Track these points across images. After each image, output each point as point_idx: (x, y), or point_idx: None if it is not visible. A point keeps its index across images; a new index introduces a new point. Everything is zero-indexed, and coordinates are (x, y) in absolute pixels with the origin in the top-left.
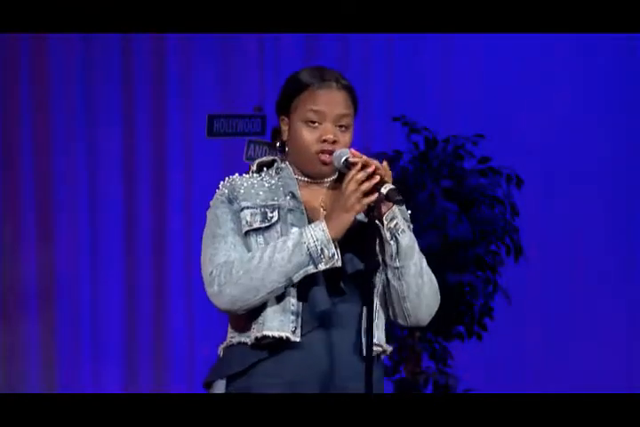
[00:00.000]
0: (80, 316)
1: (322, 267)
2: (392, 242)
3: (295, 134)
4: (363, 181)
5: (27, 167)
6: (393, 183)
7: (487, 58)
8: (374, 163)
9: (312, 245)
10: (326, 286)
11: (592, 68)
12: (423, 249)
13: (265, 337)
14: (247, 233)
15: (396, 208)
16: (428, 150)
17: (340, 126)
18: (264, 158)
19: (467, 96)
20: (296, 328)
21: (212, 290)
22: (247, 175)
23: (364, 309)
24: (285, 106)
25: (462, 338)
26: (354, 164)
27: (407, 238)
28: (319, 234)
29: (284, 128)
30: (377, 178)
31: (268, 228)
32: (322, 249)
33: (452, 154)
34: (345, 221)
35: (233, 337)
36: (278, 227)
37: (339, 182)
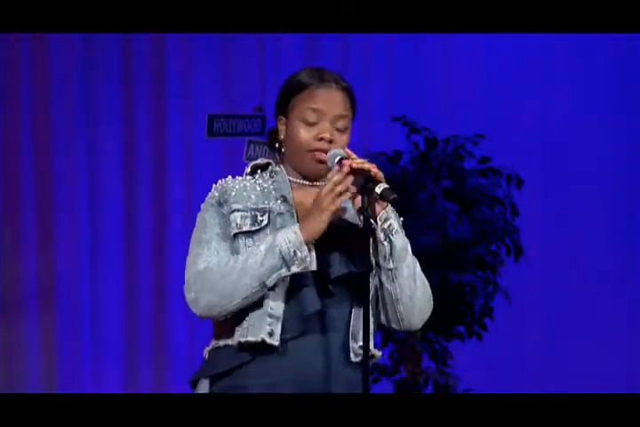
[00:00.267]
0: (80, 316)
1: (294, 269)
2: (386, 243)
3: (292, 132)
4: (339, 183)
5: (27, 167)
6: (393, 183)
7: (487, 58)
8: (370, 164)
9: (284, 247)
10: (316, 289)
11: (592, 68)
12: (423, 249)
13: (248, 342)
14: (236, 236)
15: (389, 209)
16: (428, 150)
17: (337, 128)
18: (258, 161)
19: (467, 96)
20: (273, 331)
21: (189, 297)
22: (240, 178)
23: (354, 311)
24: (283, 105)
25: (462, 338)
26: (342, 165)
27: (401, 240)
28: (291, 236)
29: (282, 128)
30: (350, 179)
31: (257, 231)
32: (294, 251)
33: (451, 154)
34: (319, 222)
35: (218, 340)
36: (268, 230)
37: None
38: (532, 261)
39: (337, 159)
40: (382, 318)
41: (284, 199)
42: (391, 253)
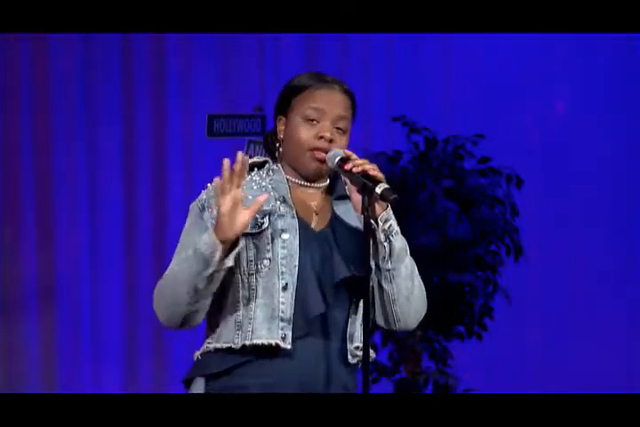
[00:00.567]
0: (80, 316)
1: (211, 270)
2: (386, 244)
3: (292, 131)
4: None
5: (27, 167)
6: (393, 183)
7: (487, 58)
8: (371, 165)
9: (204, 249)
10: (320, 291)
11: (592, 68)
12: (423, 249)
13: (254, 345)
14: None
15: (390, 210)
16: (428, 150)
17: (338, 128)
18: (255, 159)
19: (467, 96)
20: (286, 335)
21: (154, 308)
22: None
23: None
24: (284, 105)
25: (462, 338)
26: (349, 158)
27: (400, 240)
28: (207, 237)
29: (281, 128)
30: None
31: (258, 234)
32: (212, 252)
33: (452, 154)
34: (233, 221)
35: (210, 343)
36: (268, 233)
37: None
38: (532, 261)
39: (337, 160)
40: (377, 318)
41: (284, 200)
42: (390, 254)
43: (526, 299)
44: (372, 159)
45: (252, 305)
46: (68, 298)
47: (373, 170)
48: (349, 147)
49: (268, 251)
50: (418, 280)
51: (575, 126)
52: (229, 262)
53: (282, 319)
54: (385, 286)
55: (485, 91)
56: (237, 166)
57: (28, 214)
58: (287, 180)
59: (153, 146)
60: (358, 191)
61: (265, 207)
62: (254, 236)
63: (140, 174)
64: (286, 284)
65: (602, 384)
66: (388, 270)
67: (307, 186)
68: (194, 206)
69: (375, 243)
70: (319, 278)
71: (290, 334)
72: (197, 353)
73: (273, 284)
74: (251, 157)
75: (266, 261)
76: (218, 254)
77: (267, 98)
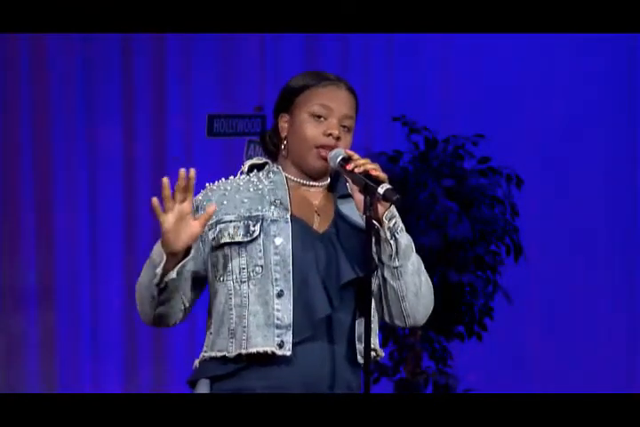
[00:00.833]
0: (80, 316)
1: (156, 280)
2: (392, 241)
3: (298, 128)
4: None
5: (27, 167)
6: (394, 183)
7: (487, 58)
8: (374, 165)
9: (155, 257)
10: (326, 294)
11: (592, 68)
12: (424, 249)
13: (249, 353)
14: (228, 245)
15: (393, 207)
16: (428, 150)
17: (344, 127)
18: (256, 160)
19: (467, 96)
20: (283, 341)
21: None
22: (232, 177)
23: (358, 314)
24: (287, 103)
25: (462, 338)
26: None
27: (405, 237)
28: (157, 247)
29: (284, 125)
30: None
31: (250, 242)
32: (159, 262)
33: (452, 154)
34: (178, 235)
35: (205, 352)
36: (260, 240)
37: (331, 188)
38: (532, 261)
39: (338, 159)
40: (386, 315)
41: (280, 203)
42: (397, 252)
43: (526, 299)
44: (372, 159)
45: (245, 313)
46: (68, 298)
47: (375, 170)
48: (351, 147)
49: (261, 258)
50: (425, 276)
51: (575, 126)
52: (172, 275)
53: (278, 326)
54: (393, 283)
55: (485, 91)
56: (182, 183)
57: (28, 214)
58: (287, 180)
59: (153, 146)
60: (360, 191)
61: (256, 213)
62: (246, 244)
63: (140, 174)
64: (281, 290)
65: (602, 384)
66: (395, 268)
67: (308, 185)
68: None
69: (380, 241)
70: (324, 280)
71: (289, 339)
72: (196, 361)
73: (267, 291)
74: (251, 157)
75: (258, 268)
76: (162, 265)
77: (267, 98)
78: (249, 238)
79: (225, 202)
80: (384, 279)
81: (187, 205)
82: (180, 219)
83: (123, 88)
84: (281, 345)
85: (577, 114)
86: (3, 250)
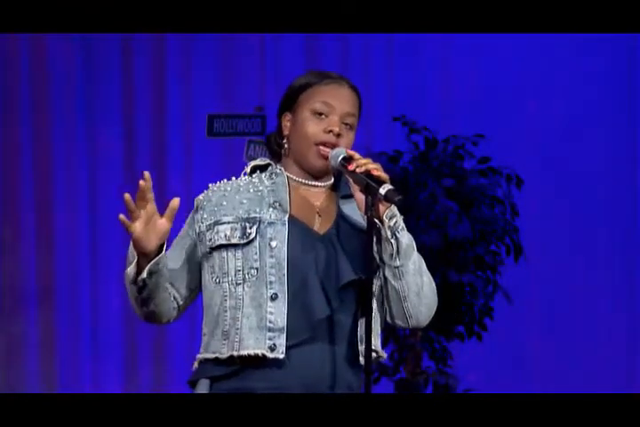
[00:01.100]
0: (80, 316)
1: (131, 279)
2: (393, 240)
3: (300, 125)
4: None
5: (27, 167)
6: (393, 183)
7: (487, 58)
8: (375, 164)
9: (129, 257)
10: (325, 295)
11: (592, 68)
12: (424, 249)
13: (241, 356)
14: (224, 247)
15: (394, 206)
16: (428, 150)
17: (345, 124)
18: (259, 161)
19: (467, 96)
20: (275, 344)
21: None
22: (235, 179)
23: (360, 315)
24: (290, 102)
25: (462, 338)
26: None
27: (406, 237)
28: (131, 245)
29: (286, 124)
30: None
31: (246, 244)
32: (131, 262)
33: (452, 154)
34: (149, 236)
35: (200, 353)
36: (256, 243)
37: (334, 188)
38: (532, 261)
39: (339, 159)
40: (388, 316)
41: (279, 205)
42: (398, 251)
43: (526, 299)
44: (372, 159)
45: (239, 315)
46: (68, 298)
47: (377, 170)
48: (352, 146)
49: (256, 260)
50: (427, 276)
51: (575, 126)
52: (144, 274)
53: (270, 329)
54: (394, 283)
55: (485, 91)
56: (141, 193)
57: (28, 214)
58: (289, 181)
59: (153, 146)
60: (361, 191)
61: (254, 215)
62: (242, 246)
63: (140, 174)
64: (275, 293)
65: (602, 384)
66: (397, 267)
67: (310, 185)
68: (195, 202)
69: (381, 241)
70: (323, 282)
71: (282, 342)
72: (195, 362)
73: (261, 294)
74: (251, 158)
75: (253, 271)
76: (133, 264)
77: (267, 98)
78: (245, 241)
79: (224, 203)
80: (385, 279)
81: (150, 207)
82: (147, 222)
83: (123, 88)
84: (272, 348)
85: (577, 114)
86: (3, 250)
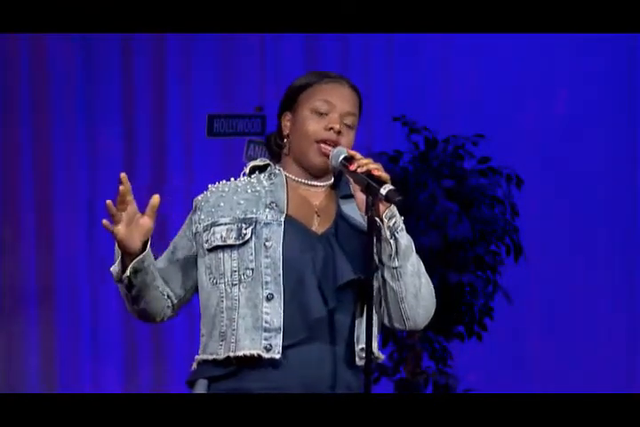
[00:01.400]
0: (80, 316)
1: (116, 278)
2: (392, 241)
3: (300, 124)
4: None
5: (27, 167)
6: (393, 183)
7: (487, 58)
8: (376, 164)
9: (115, 255)
10: (322, 295)
11: (592, 68)
12: (424, 249)
13: (237, 356)
14: (220, 248)
15: (394, 207)
16: (428, 150)
17: (346, 123)
18: (258, 162)
19: (467, 96)
20: (271, 345)
21: None
22: (233, 179)
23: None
24: (290, 102)
25: (462, 338)
26: (353, 157)
27: (405, 238)
28: (116, 245)
29: (286, 123)
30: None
31: (241, 245)
32: (115, 259)
33: (452, 154)
34: (132, 236)
35: (198, 355)
36: (252, 243)
37: (334, 188)
38: (532, 261)
39: (340, 158)
40: (386, 318)
41: (276, 205)
42: (397, 252)
43: (526, 299)
44: (373, 159)
45: (235, 316)
46: (68, 298)
47: (378, 170)
48: (353, 146)
49: (252, 261)
50: (425, 278)
51: (575, 126)
52: (127, 273)
53: (266, 329)
54: (392, 284)
55: (485, 91)
56: (121, 197)
57: (28, 214)
58: (288, 180)
59: (153, 146)
60: (362, 191)
61: (250, 215)
62: (238, 247)
63: (140, 174)
64: (270, 293)
65: (602, 384)
66: (395, 268)
67: (310, 184)
68: (194, 203)
69: (380, 241)
70: (320, 281)
71: (278, 342)
72: (194, 363)
73: (257, 294)
74: (251, 158)
75: (249, 272)
76: (117, 263)
77: (267, 98)
78: (241, 241)
79: (222, 204)
80: (384, 280)
81: (130, 208)
82: (129, 222)
83: (123, 88)
84: (268, 348)
85: (577, 114)
86: (3, 250)
